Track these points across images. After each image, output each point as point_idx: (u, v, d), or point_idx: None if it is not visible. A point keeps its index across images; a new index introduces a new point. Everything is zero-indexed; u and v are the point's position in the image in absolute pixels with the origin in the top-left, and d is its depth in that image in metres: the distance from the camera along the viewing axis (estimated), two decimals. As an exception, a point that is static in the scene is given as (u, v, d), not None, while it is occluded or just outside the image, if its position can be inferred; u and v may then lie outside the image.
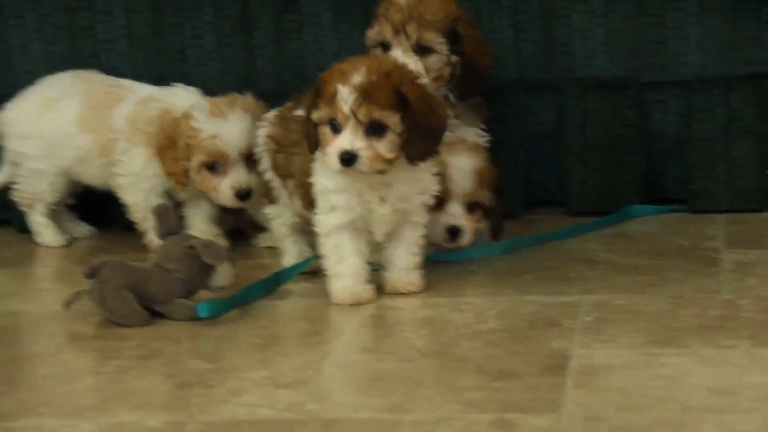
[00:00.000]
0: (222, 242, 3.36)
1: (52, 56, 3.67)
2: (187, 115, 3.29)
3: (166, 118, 3.33)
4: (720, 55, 3.54)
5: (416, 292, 3.02)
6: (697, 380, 2.45)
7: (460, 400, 2.42)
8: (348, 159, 2.84)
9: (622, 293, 2.95)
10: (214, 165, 3.29)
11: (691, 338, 2.66)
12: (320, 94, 2.89)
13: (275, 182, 3.18)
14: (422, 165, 2.94)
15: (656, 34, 3.57)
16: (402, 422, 2.34)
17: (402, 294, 3.02)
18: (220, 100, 3.31)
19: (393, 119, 2.85)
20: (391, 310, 2.95)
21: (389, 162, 2.87)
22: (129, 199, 3.43)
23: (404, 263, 3.02)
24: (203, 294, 2.98)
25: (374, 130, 2.85)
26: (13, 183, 3.58)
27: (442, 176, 3.09)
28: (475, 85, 3.28)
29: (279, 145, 3.14)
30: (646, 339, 2.66)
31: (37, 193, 3.54)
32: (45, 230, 3.57)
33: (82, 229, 3.66)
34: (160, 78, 3.60)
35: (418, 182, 2.96)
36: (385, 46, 3.24)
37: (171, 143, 3.30)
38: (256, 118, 3.28)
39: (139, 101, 3.41)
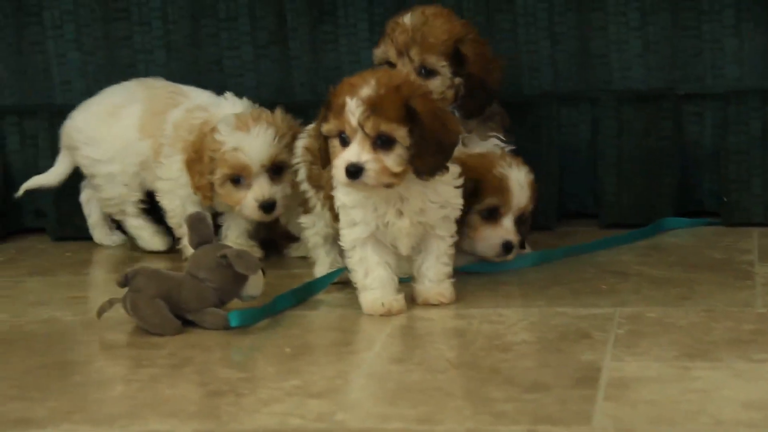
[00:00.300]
0: (256, 252, 3.37)
1: (90, 66, 3.70)
2: (213, 129, 3.31)
3: (201, 129, 3.35)
4: (756, 68, 3.53)
5: (447, 303, 3.02)
6: (730, 394, 2.43)
7: (490, 412, 2.41)
8: (354, 171, 2.84)
9: (655, 306, 2.94)
10: (238, 178, 3.30)
11: (723, 352, 2.64)
12: (330, 107, 2.89)
13: (310, 193, 3.19)
14: (443, 178, 2.93)
15: (692, 46, 3.56)
16: (431, 433, 2.34)
17: (433, 305, 3.02)
18: (247, 114, 3.32)
19: (401, 132, 2.85)
20: (422, 320, 2.95)
21: (397, 176, 2.86)
22: (167, 204, 3.45)
23: (434, 274, 3.02)
24: (234, 303, 2.99)
25: (382, 143, 2.85)
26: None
27: (500, 190, 3.13)
28: (482, 102, 3.26)
29: (314, 157, 3.15)
30: (679, 352, 2.65)
31: (117, 197, 3.56)
32: (143, 232, 3.58)
33: (116, 237, 3.67)
34: (198, 88, 3.61)
35: (438, 196, 2.96)
36: (391, 65, 3.24)
37: (198, 157, 3.31)
38: (282, 132, 3.28)
39: (189, 108, 3.43)
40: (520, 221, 3.21)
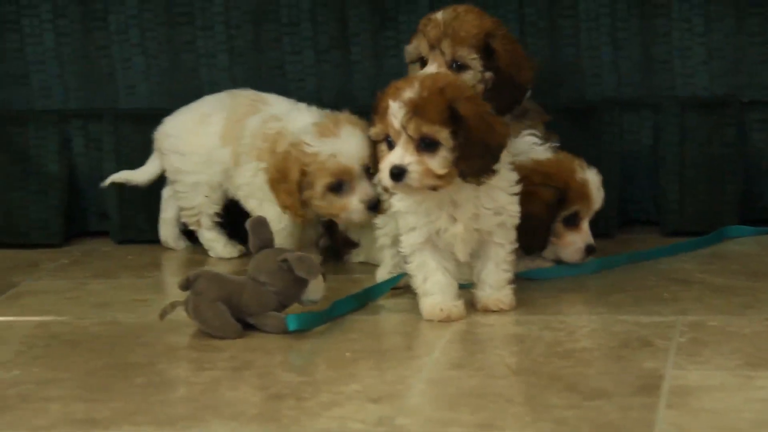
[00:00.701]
0: (315, 257, 3.38)
1: (153, 70, 3.73)
2: (296, 144, 3.29)
3: (277, 143, 3.34)
4: (822, 75, 3.50)
5: (507, 310, 3.01)
6: (793, 404, 2.42)
7: (551, 419, 2.40)
8: (397, 174, 2.85)
9: (717, 314, 2.91)
10: (340, 184, 3.27)
11: (787, 361, 2.62)
12: (376, 111, 2.90)
13: (384, 194, 3.20)
14: (498, 184, 2.93)
15: (757, 53, 3.53)
16: (491, 439, 2.34)
17: (493, 311, 3.01)
18: (325, 121, 3.31)
19: (443, 134, 2.84)
20: (482, 326, 2.94)
21: (441, 178, 2.86)
22: (252, 209, 3.44)
23: (494, 281, 3.01)
24: (294, 307, 3.00)
25: (426, 145, 2.85)
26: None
27: (583, 195, 3.16)
28: (510, 99, 3.25)
29: (375, 157, 3.15)
30: (741, 361, 2.63)
31: (196, 207, 3.58)
32: (215, 244, 3.59)
33: (182, 243, 3.69)
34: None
35: (493, 202, 2.95)
36: (424, 62, 3.25)
37: (282, 176, 3.29)
38: (365, 131, 3.27)
39: (264, 118, 3.44)
40: (591, 223, 3.23)
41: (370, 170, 3.22)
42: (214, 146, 3.51)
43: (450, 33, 3.22)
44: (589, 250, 3.23)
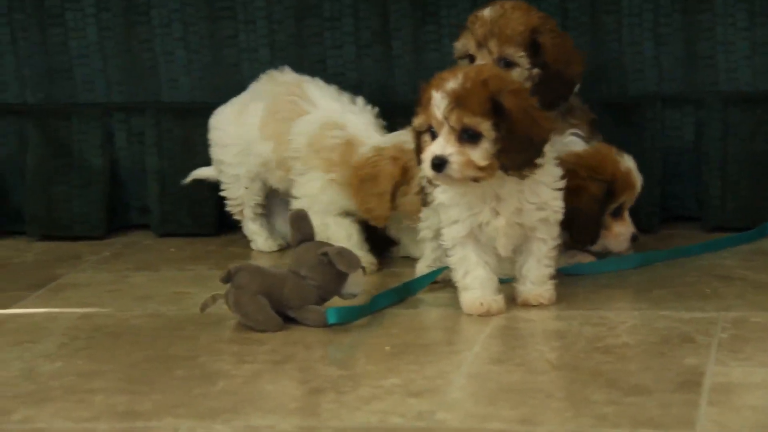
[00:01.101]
0: (369, 259, 3.36)
1: (195, 64, 3.74)
2: (394, 144, 3.24)
3: (350, 153, 3.31)
4: None
5: (547, 305, 3.01)
6: (836, 402, 2.40)
7: (591, 414, 2.40)
8: (438, 164, 2.85)
9: (760, 311, 2.89)
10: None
11: (830, 359, 2.60)
12: (420, 101, 2.90)
13: (429, 187, 3.19)
14: (542, 179, 2.92)
15: (801, 48, 3.51)
16: (531, 434, 2.34)
17: (533, 306, 3.01)
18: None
19: (485, 126, 2.84)
20: (523, 321, 2.94)
21: (483, 169, 2.85)
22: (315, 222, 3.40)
23: (535, 276, 3.01)
24: (334, 300, 3.01)
25: (468, 136, 2.85)
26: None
27: (629, 185, 3.17)
28: (558, 94, 3.24)
29: (419, 147, 3.14)
30: (784, 358, 2.62)
31: (238, 198, 3.59)
32: (256, 237, 3.59)
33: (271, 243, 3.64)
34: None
35: (536, 197, 2.94)
36: (472, 59, 3.25)
37: (373, 181, 3.25)
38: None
39: (322, 125, 3.40)
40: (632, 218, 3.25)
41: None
42: (253, 138, 3.51)
43: (497, 31, 3.21)
44: (634, 238, 3.24)
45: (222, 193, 3.63)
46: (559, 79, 3.23)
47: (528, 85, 3.18)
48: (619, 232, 3.23)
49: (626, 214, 3.24)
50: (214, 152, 3.60)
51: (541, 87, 3.19)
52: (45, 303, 3.21)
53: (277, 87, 3.51)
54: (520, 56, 3.22)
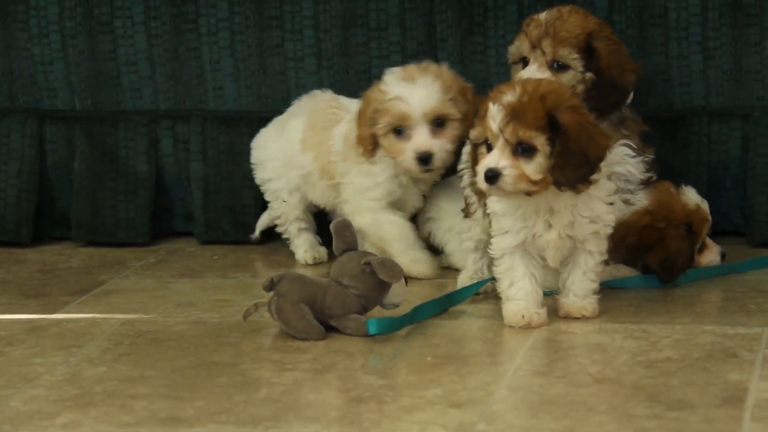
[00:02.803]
0: (424, 256, 3.37)
1: (242, 73, 3.76)
2: (377, 84, 3.34)
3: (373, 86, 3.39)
4: None
5: (589, 318, 3.00)
6: None
7: (633, 428, 2.39)
8: (491, 177, 2.85)
9: (805, 327, 2.88)
10: (400, 129, 3.29)
11: None
12: (478, 113, 2.91)
13: (472, 198, 3.20)
14: (596, 193, 2.92)
15: None
16: (573, 447, 2.33)
17: (575, 319, 3.00)
18: (414, 66, 3.34)
19: (539, 140, 2.84)
20: (565, 334, 2.93)
21: (536, 184, 2.85)
22: (360, 221, 3.39)
23: (579, 289, 3.00)
24: (375, 310, 3.01)
25: (523, 150, 2.85)
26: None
27: (701, 219, 3.24)
28: (611, 101, 3.23)
29: (475, 159, 3.14)
30: (829, 375, 2.59)
31: (282, 216, 3.59)
32: (297, 249, 3.58)
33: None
34: (346, 96, 3.65)
35: (589, 210, 2.94)
36: (526, 62, 3.24)
37: (364, 108, 3.34)
38: (447, 85, 3.30)
39: (350, 120, 3.44)
40: None
41: (442, 123, 3.28)
42: (294, 152, 3.52)
43: (551, 32, 3.21)
44: (723, 255, 3.32)
45: (269, 213, 3.63)
46: (612, 86, 3.22)
47: (581, 88, 3.18)
48: (710, 261, 3.31)
49: (708, 242, 3.30)
50: (257, 172, 3.62)
51: (594, 93, 3.18)
52: (89, 308, 3.23)
53: (317, 103, 3.54)
54: (573, 59, 3.21)
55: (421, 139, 3.29)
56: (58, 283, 3.45)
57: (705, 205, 3.28)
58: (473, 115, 3.05)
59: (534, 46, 3.23)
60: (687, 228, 3.22)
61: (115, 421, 2.53)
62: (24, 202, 3.80)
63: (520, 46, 3.27)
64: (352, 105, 3.49)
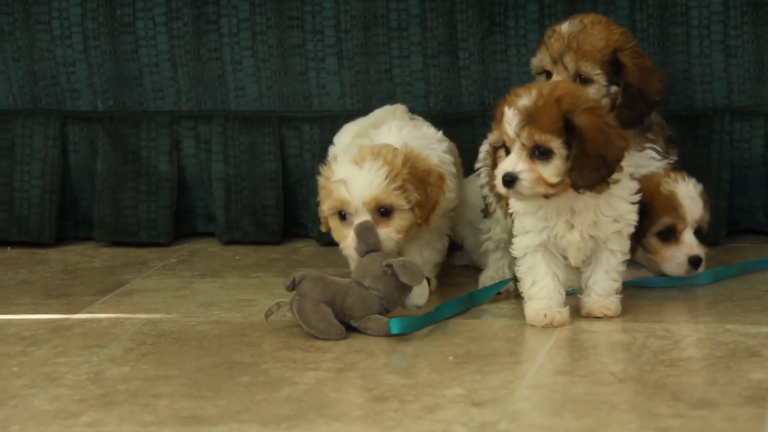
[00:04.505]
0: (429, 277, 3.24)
1: (263, 73, 3.77)
2: (328, 162, 3.18)
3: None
4: None
5: (611, 317, 2.99)
6: None
7: (656, 427, 2.39)
8: (509, 181, 2.85)
9: (828, 326, 2.87)
10: (342, 213, 3.10)
11: None
12: (495, 116, 2.91)
13: (491, 198, 3.19)
14: (618, 192, 2.91)
15: None
16: (595, 446, 2.33)
17: (597, 318, 3.00)
18: (371, 147, 3.12)
19: (555, 144, 2.84)
20: (587, 333, 2.93)
21: (553, 186, 2.85)
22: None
23: (601, 288, 3.00)
24: (397, 310, 3.01)
25: (540, 153, 2.85)
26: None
27: (672, 206, 3.11)
28: (640, 113, 3.20)
29: (494, 162, 3.14)
30: None
31: None
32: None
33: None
34: (366, 96, 3.66)
35: (612, 210, 2.94)
36: (549, 74, 3.21)
37: (320, 185, 3.15)
38: (396, 172, 3.06)
39: (355, 133, 3.35)
40: (699, 234, 3.17)
41: (387, 212, 3.07)
42: None
43: (574, 47, 3.16)
44: (693, 261, 3.16)
45: None
46: (641, 99, 3.19)
47: (606, 102, 3.16)
48: (670, 256, 3.17)
49: (684, 238, 3.16)
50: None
51: (623, 107, 3.16)
52: (112, 308, 3.24)
53: (372, 118, 3.45)
54: (597, 74, 3.17)
55: (360, 228, 3.04)
56: (81, 283, 3.47)
57: (689, 199, 3.13)
58: (436, 203, 3.04)
59: (555, 61, 3.19)
60: (642, 208, 3.02)
61: (138, 420, 2.53)
62: (47, 203, 3.82)
63: (542, 59, 3.23)
64: (392, 119, 3.34)
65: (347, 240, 3.09)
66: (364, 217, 3.07)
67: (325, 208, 3.12)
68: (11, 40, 3.82)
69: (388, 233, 3.08)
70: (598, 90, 3.18)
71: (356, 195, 3.07)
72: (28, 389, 2.71)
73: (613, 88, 3.19)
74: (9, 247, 3.82)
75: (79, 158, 3.86)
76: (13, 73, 3.84)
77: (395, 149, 3.12)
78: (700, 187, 3.18)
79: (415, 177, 3.10)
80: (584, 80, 3.18)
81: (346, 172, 3.08)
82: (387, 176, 3.06)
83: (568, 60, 3.17)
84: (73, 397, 2.66)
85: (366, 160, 3.07)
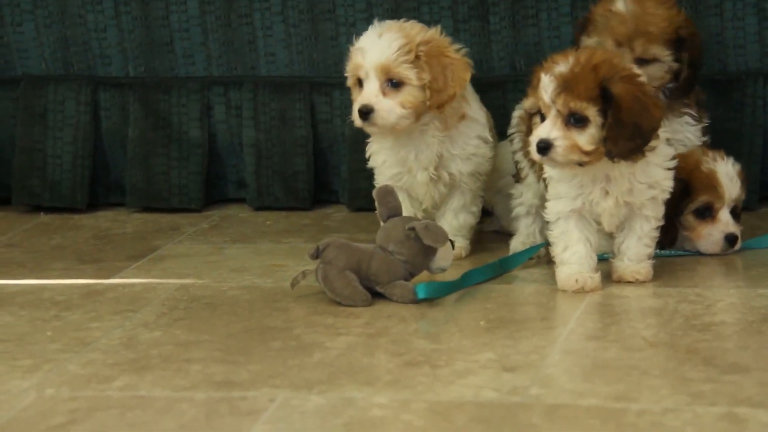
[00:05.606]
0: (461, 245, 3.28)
1: (293, 38, 3.76)
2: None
3: None
4: None
5: (643, 282, 2.99)
6: None
7: (688, 392, 2.38)
8: (543, 148, 2.84)
9: None
10: (359, 80, 3.16)
11: None
12: (531, 83, 2.90)
13: (523, 163, 3.19)
14: (654, 160, 2.90)
15: None
16: (628, 411, 2.33)
17: (629, 282, 2.99)
18: (397, 23, 3.20)
19: (591, 111, 2.83)
20: (618, 298, 2.92)
21: (588, 154, 2.84)
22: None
23: (633, 254, 2.99)
24: (424, 275, 3.01)
25: (575, 120, 2.84)
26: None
27: (711, 185, 3.10)
28: (694, 83, 3.21)
29: (529, 129, 3.13)
30: None
31: None
32: None
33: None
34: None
35: (647, 177, 2.93)
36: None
37: None
38: (411, 48, 3.12)
39: None
40: (734, 212, 3.16)
41: (398, 85, 3.12)
42: None
43: (642, 30, 3.14)
44: (730, 239, 3.14)
45: None
46: (697, 74, 3.21)
47: (668, 78, 3.15)
48: (707, 233, 3.15)
49: (721, 216, 3.15)
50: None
51: (686, 81, 3.16)
52: (144, 274, 3.26)
53: None
54: (666, 55, 3.16)
55: (366, 91, 3.15)
56: (114, 249, 3.48)
57: (727, 178, 3.13)
58: (454, 94, 3.04)
59: (620, 44, 3.14)
60: (683, 186, 3.08)
61: (170, 384, 2.55)
62: (79, 169, 3.83)
63: (602, 42, 3.16)
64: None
65: (354, 105, 3.14)
66: (375, 84, 3.13)
67: (349, 75, 3.21)
68: (43, 6, 3.83)
69: (391, 105, 3.12)
70: (660, 68, 3.16)
71: (369, 60, 3.14)
72: (62, 353, 2.73)
73: (675, 65, 3.17)
74: (42, 213, 3.84)
75: (111, 124, 3.87)
76: (45, 39, 3.85)
77: (422, 27, 3.19)
78: (738, 166, 3.17)
79: (432, 57, 3.14)
80: (646, 61, 3.15)
81: (366, 40, 3.18)
82: (400, 48, 3.12)
83: (638, 45, 3.14)
84: (106, 362, 2.68)
85: (388, 31, 3.16)
